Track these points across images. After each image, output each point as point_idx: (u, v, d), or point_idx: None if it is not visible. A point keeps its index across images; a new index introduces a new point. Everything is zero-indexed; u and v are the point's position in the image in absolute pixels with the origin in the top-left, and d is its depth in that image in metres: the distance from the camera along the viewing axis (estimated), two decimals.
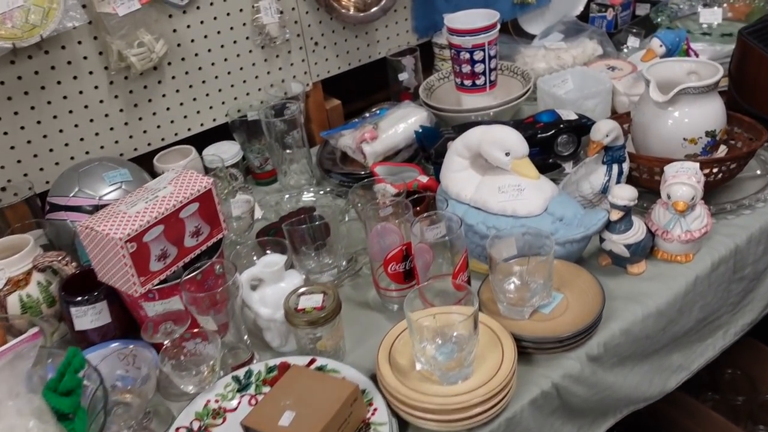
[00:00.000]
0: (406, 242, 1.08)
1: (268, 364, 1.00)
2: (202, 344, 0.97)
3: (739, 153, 1.20)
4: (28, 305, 1.09)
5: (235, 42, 1.50)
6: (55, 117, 1.35)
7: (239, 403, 0.96)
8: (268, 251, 1.17)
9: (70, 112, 1.36)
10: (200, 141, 1.52)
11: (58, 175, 1.29)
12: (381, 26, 1.72)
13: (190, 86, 1.48)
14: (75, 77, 1.34)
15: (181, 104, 1.49)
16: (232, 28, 1.48)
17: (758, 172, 1.30)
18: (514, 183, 1.13)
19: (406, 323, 0.90)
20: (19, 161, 1.34)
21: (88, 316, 1.06)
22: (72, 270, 1.10)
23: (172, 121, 1.49)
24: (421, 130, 1.46)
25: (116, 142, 1.43)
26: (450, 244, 1.03)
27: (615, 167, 1.18)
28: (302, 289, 1.03)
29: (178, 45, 1.43)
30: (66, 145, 1.38)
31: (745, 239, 1.17)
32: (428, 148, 1.41)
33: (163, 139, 1.49)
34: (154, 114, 1.46)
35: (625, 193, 1.05)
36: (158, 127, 1.48)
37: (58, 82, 1.33)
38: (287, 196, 1.48)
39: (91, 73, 1.36)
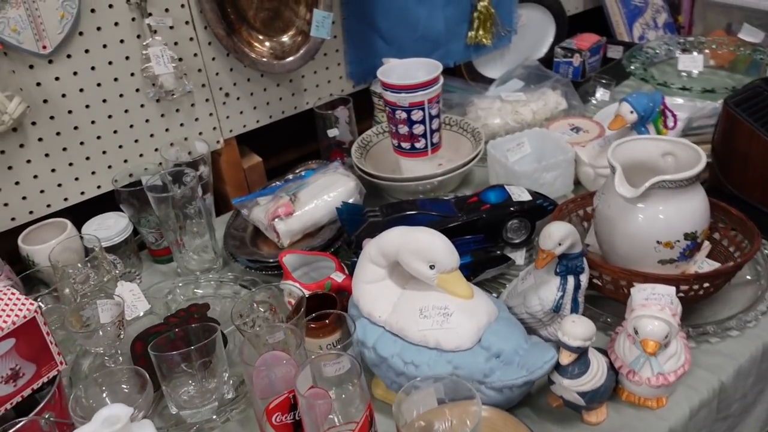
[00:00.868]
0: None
1: None
2: None
3: (724, 268, 0.96)
4: None
5: (121, 95, 1.24)
6: None
7: None
8: (123, 386, 0.91)
9: None
10: (88, 212, 1.26)
11: None
12: (309, 73, 1.46)
13: (64, 149, 1.22)
14: None
15: (53, 170, 1.22)
16: (116, 80, 1.22)
17: (748, 277, 1.06)
18: (440, 304, 0.88)
19: None
20: None
21: None
22: None
23: (42, 191, 1.22)
24: (343, 207, 1.21)
25: None
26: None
27: (571, 280, 0.93)
28: None
29: (45, 101, 1.16)
30: None
31: (732, 373, 0.93)
32: (349, 233, 1.16)
33: (31, 212, 1.23)
34: (17, 183, 1.19)
35: (578, 331, 0.81)
36: (24, 198, 1.21)
37: None
38: (181, 284, 1.22)
39: None
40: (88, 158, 1.25)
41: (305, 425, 0.80)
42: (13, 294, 0.82)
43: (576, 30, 1.83)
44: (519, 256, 1.17)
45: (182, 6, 1.24)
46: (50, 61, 1.14)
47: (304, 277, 1.15)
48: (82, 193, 1.27)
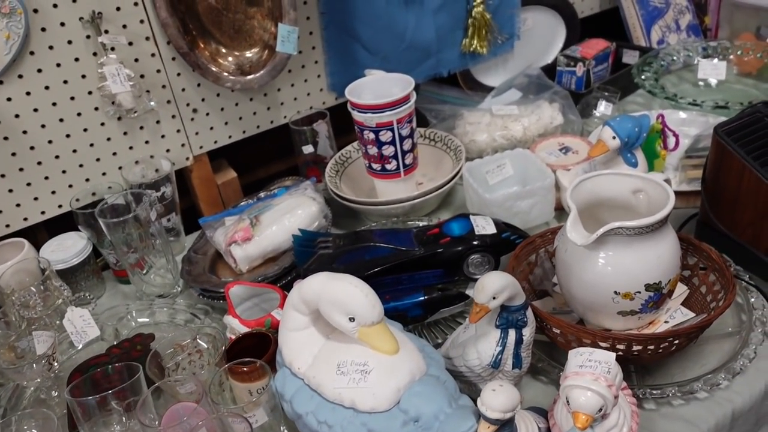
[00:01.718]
0: None
1: None
2: None
3: (685, 329, 0.85)
4: None
5: (79, 114, 1.20)
6: None
7: None
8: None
9: None
10: (63, 228, 1.24)
11: None
12: (285, 86, 1.40)
13: (21, 169, 1.19)
14: None
15: (11, 191, 1.20)
16: (73, 98, 1.19)
17: (730, 329, 0.95)
18: (359, 360, 0.81)
19: None
20: None
21: None
22: None
23: (0, 211, 1.21)
24: (299, 235, 1.15)
25: None
26: None
27: (512, 333, 0.84)
28: None
29: None
30: None
31: None
32: (298, 265, 1.10)
33: None
34: None
35: (498, 402, 0.72)
36: None
37: None
38: (135, 310, 1.19)
39: None
40: (47, 178, 1.22)
41: None
42: None
43: (591, 33, 1.70)
44: None
45: (141, 22, 1.19)
46: (0, 82, 1.11)
47: (253, 308, 1.10)
48: (43, 212, 1.25)
